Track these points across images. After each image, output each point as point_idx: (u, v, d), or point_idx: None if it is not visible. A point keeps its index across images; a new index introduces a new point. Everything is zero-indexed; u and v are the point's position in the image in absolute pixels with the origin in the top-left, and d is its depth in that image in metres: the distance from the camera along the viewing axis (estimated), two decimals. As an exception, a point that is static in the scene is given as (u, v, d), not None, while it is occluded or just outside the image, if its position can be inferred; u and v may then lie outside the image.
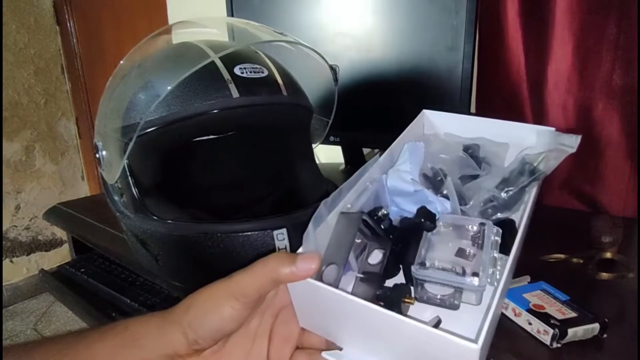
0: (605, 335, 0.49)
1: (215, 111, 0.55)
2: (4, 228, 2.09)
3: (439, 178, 0.52)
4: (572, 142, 0.49)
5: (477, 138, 0.56)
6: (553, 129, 0.54)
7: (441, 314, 0.44)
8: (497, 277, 0.44)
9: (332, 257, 0.36)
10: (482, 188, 0.52)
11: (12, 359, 0.34)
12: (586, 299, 0.54)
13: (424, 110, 0.58)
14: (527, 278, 0.58)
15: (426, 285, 0.44)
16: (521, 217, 0.49)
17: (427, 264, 0.44)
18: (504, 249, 0.47)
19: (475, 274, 0.43)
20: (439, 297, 0.44)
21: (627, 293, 0.59)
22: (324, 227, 0.38)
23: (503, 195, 0.50)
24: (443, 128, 0.59)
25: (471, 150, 0.55)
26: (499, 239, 0.47)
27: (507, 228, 0.51)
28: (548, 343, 0.47)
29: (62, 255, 2.29)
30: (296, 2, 0.94)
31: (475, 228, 0.49)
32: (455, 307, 0.44)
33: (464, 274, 0.44)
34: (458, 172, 0.54)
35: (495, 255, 0.45)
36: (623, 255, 0.65)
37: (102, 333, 0.36)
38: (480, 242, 0.47)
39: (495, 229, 0.48)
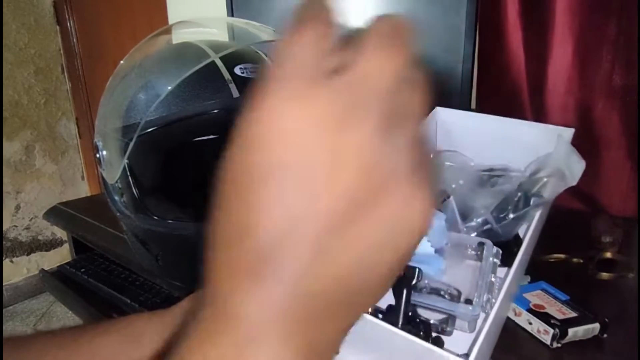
0: (605, 335, 0.49)
1: (215, 111, 0.55)
2: (4, 228, 2.09)
3: (443, 199, 0.51)
4: (578, 169, 0.48)
5: (498, 165, 0.54)
6: (573, 129, 0.52)
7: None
8: (492, 303, 0.43)
9: None
10: (481, 206, 0.51)
11: (11, 350, 0.34)
12: (586, 299, 0.54)
13: (437, 108, 0.56)
14: (527, 278, 0.57)
15: (418, 309, 0.43)
16: (524, 235, 0.48)
17: (420, 284, 0.43)
18: (508, 258, 0.46)
19: (468, 301, 0.41)
20: (431, 321, 0.43)
21: (627, 293, 0.59)
22: None
23: (497, 227, 0.50)
24: (458, 127, 0.57)
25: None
26: (497, 260, 0.46)
27: (513, 239, 0.50)
28: (548, 343, 0.47)
29: (62, 255, 2.29)
30: (296, 2, 0.93)
31: (474, 247, 0.48)
32: (448, 334, 0.43)
33: (458, 298, 0.42)
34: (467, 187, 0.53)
35: (493, 279, 0.44)
36: (623, 255, 0.65)
37: (105, 328, 0.36)
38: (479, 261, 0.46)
39: (495, 249, 0.47)
